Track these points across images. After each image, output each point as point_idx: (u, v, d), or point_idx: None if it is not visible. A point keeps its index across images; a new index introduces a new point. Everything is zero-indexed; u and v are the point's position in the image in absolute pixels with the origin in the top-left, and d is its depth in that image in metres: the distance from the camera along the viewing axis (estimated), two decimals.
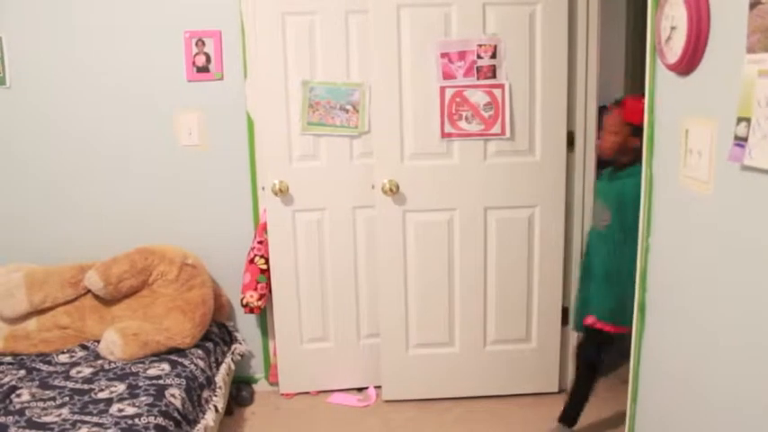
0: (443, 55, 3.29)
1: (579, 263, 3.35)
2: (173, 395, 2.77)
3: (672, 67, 2.03)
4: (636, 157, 2.58)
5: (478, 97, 3.31)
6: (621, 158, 2.86)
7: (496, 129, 3.35)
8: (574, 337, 3.47)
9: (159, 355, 3.12)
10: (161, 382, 2.87)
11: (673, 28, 1.98)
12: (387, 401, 3.58)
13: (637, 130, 2.57)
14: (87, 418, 2.60)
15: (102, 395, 2.79)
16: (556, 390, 3.59)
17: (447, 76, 3.30)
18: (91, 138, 3.58)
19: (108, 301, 3.30)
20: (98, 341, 3.23)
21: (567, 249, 3.50)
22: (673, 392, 2.11)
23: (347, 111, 3.44)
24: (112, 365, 3.08)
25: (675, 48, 1.97)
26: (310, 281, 3.59)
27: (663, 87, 2.15)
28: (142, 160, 3.58)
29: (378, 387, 3.65)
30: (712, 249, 1.84)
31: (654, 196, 2.21)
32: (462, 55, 3.29)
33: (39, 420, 2.60)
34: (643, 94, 2.25)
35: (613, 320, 2.87)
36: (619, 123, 2.81)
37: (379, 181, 3.37)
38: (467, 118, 3.34)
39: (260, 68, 3.40)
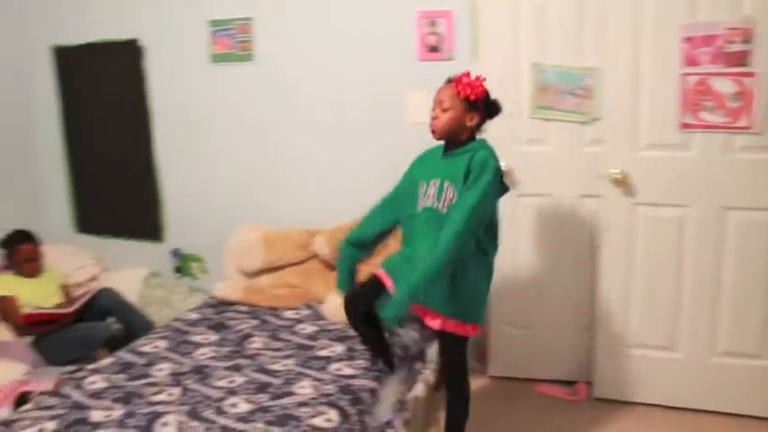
0: (686, 39, 3.08)
1: None
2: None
3: None
4: (472, 136, 2.52)
5: (725, 86, 3.07)
6: (457, 137, 2.56)
7: (743, 122, 3.08)
8: None
9: None
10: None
11: None
12: (598, 399, 3.46)
13: (472, 106, 2.50)
14: (308, 372, 2.79)
15: (322, 353, 2.98)
16: None
17: (689, 62, 3.09)
18: (324, 112, 3.83)
19: (333, 266, 3.48)
20: (322, 302, 3.42)
21: None
22: None
23: (577, 95, 3.35)
24: (334, 327, 3.27)
25: None
26: (528, 268, 3.56)
27: None
28: (370, 135, 3.75)
29: (588, 383, 3.54)
30: None
31: None
32: (708, 39, 3.06)
33: (267, 367, 2.84)
34: None
35: None
36: (453, 98, 2.53)
37: (609, 170, 3.24)
38: (710, 108, 3.11)
39: (490, 49, 3.40)
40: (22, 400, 3.14)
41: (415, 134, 3.64)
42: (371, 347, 2.85)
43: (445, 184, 2.49)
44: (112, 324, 3.94)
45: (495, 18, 3.37)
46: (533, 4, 3.32)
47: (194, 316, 3.49)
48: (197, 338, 3.19)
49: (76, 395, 2.67)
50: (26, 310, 3.82)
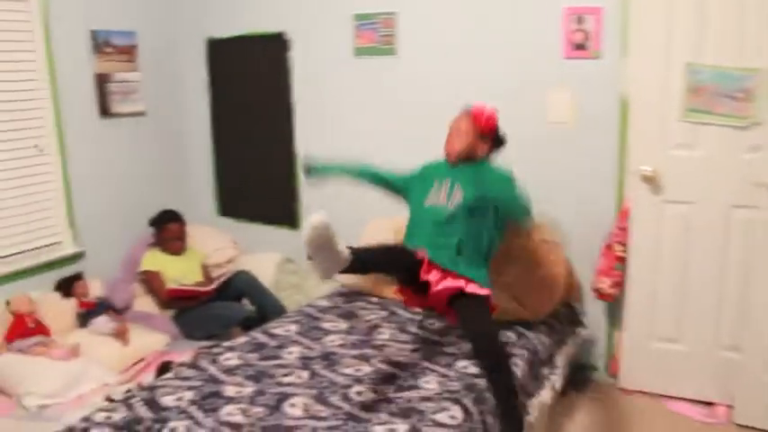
0: None
1: None
2: (515, 364, 2.83)
3: None
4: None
5: None
6: (466, 162, 2.95)
7: None
8: None
9: (508, 323, 3.20)
10: (507, 349, 2.93)
11: None
12: (739, 425, 3.24)
13: (484, 138, 2.96)
14: (435, 368, 2.79)
15: (449, 350, 2.98)
16: None
17: None
18: (462, 104, 3.79)
19: None
20: None
21: None
22: None
23: (736, 98, 3.14)
24: None
25: None
26: (670, 276, 3.39)
27: None
28: (510, 134, 3.67)
29: (729, 407, 3.32)
30: None
31: None
32: None
33: (394, 359, 2.87)
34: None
35: None
36: (470, 128, 2.96)
37: None
38: None
39: (640, 47, 3.26)
40: (163, 368, 3.35)
41: (556, 134, 3.56)
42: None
43: (456, 185, 2.87)
44: (247, 306, 4.11)
45: (648, 15, 3.22)
46: (687, 3, 3.14)
47: (325, 303, 3.58)
48: (327, 325, 3.27)
49: (212, 369, 2.80)
50: (171, 285, 4.06)
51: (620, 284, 3.40)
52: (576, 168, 3.55)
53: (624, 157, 3.42)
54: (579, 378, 3.58)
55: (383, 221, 3.82)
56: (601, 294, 3.40)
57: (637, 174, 3.33)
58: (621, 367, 3.55)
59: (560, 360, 3.21)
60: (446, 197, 2.87)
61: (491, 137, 2.99)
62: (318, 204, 4.41)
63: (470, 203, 2.81)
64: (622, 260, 3.39)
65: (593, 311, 3.65)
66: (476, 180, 2.84)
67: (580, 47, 3.44)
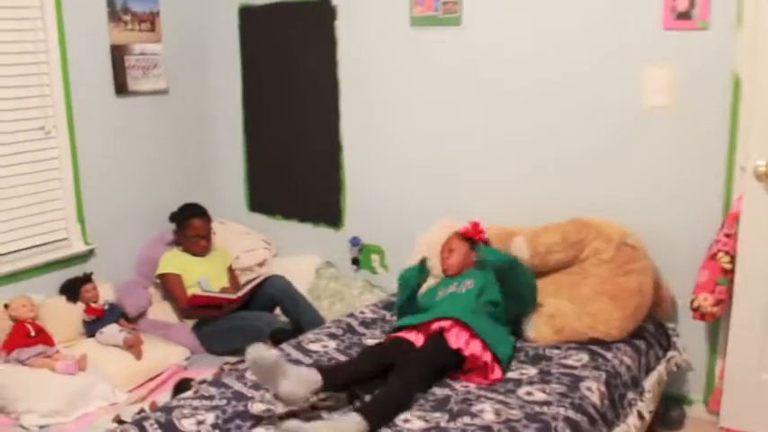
0: None
1: None
2: (589, 388, 2.82)
3: None
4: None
5: None
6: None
7: None
8: None
9: (579, 343, 3.19)
10: (576, 372, 2.94)
11: None
12: None
13: (474, 245, 3.50)
14: (491, 395, 2.79)
15: (511, 374, 2.98)
16: None
17: None
18: (539, 91, 3.77)
19: (533, 272, 3.43)
20: None
21: None
22: None
23: None
24: (525, 344, 3.26)
25: None
26: None
27: None
28: (591, 116, 3.65)
29: None
30: None
31: None
32: None
33: (447, 382, 2.91)
34: None
35: None
36: (459, 241, 3.58)
37: None
38: None
39: (758, 17, 3.18)
40: (182, 386, 3.40)
41: (651, 121, 3.50)
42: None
43: (462, 281, 3.40)
44: (279, 316, 4.14)
45: None
46: None
47: (370, 315, 3.59)
48: (370, 342, 3.28)
49: (238, 386, 2.83)
50: (193, 291, 4.11)
51: (723, 302, 3.33)
52: (674, 162, 3.49)
53: (734, 149, 3.36)
54: (671, 413, 3.54)
55: (447, 223, 3.82)
56: (700, 314, 3.34)
57: (749, 170, 3.25)
58: (723, 403, 3.47)
59: (649, 385, 3.17)
60: (455, 287, 3.39)
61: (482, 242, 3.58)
62: (366, 201, 4.44)
63: (480, 284, 3.31)
64: (728, 273, 3.31)
65: (691, 333, 3.59)
66: (479, 264, 3.29)
67: (683, 16, 3.39)
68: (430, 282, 3.51)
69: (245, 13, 4.77)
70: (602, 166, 3.65)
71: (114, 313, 4.03)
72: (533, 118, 3.81)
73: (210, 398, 2.76)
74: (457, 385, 2.88)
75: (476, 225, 3.60)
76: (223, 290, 4.21)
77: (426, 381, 2.86)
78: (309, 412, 2.66)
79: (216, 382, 2.90)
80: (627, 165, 3.59)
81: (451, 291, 3.37)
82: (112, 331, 3.89)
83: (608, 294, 3.26)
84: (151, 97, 4.62)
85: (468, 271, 3.48)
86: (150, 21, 4.55)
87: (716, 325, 3.51)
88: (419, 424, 2.56)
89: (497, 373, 2.96)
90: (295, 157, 4.74)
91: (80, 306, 4.01)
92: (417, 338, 3.07)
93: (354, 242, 4.54)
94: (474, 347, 2.96)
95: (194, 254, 4.35)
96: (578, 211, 3.56)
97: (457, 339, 2.98)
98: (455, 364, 2.96)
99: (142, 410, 3.19)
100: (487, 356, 2.97)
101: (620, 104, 3.56)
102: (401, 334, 3.13)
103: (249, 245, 4.74)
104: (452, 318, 3.08)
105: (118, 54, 4.38)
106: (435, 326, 3.06)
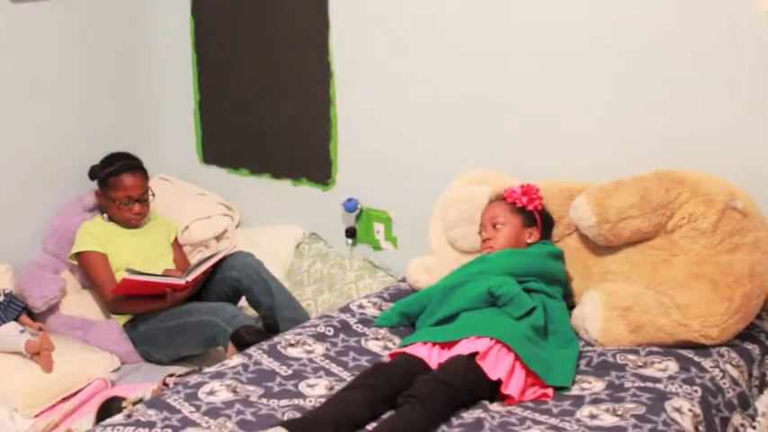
0: None
1: None
2: (678, 410, 2.81)
3: None
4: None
5: None
6: None
7: None
8: None
9: (664, 346, 3.20)
10: (661, 386, 2.95)
11: None
12: None
13: (530, 219, 3.55)
14: (540, 418, 2.82)
15: (569, 391, 3.00)
16: None
17: None
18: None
19: (600, 245, 3.49)
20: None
21: None
22: None
23: None
24: (588, 348, 3.28)
25: None
26: None
27: None
28: (682, 34, 3.60)
29: None
30: None
31: None
32: None
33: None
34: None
35: None
36: (507, 213, 3.56)
37: None
38: None
39: None
40: (107, 407, 3.43)
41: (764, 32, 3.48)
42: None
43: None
44: (245, 309, 4.16)
45: None
46: None
47: (371, 308, 3.62)
48: (373, 345, 3.32)
49: (187, 410, 2.86)
50: (123, 274, 4.10)
51: None
52: None
53: None
54: None
55: (476, 175, 3.86)
56: None
57: None
58: None
59: (763, 406, 3.19)
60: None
61: (537, 215, 3.59)
62: (365, 147, 4.44)
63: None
64: None
65: None
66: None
67: None
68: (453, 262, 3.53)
69: None
70: (700, 96, 3.63)
71: (13, 308, 4.04)
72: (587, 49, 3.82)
73: (149, 425, 2.77)
74: (493, 405, 2.91)
75: (530, 190, 3.58)
76: (166, 273, 4.20)
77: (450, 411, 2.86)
78: None
79: (156, 403, 2.91)
80: (730, 95, 3.58)
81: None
82: (10, 333, 3.90)
83: (707, 279, 3.25)
84: (60, 1, 4.56)
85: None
86: None
87: None
88: None
89: (549, 391, 2.99)
90: (266, 85, 4.75)
91: None
92: (433, 356, 3.07)
93: (350, 206, 4.55)
94: (517, 381, 2.96)
95: (125, 224, 4.35)
96: (670, 161, 3.56)
97: (495, 367, 2.97)
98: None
99: None
100: (538, 391, 2.99)
101: (723, 11, 3.53)
102: (411, 351, 3.10)
103: (203, 211, 4.75)
104: (490, 337, 3.04)
105: None
106: (466, 348, 3.02)
